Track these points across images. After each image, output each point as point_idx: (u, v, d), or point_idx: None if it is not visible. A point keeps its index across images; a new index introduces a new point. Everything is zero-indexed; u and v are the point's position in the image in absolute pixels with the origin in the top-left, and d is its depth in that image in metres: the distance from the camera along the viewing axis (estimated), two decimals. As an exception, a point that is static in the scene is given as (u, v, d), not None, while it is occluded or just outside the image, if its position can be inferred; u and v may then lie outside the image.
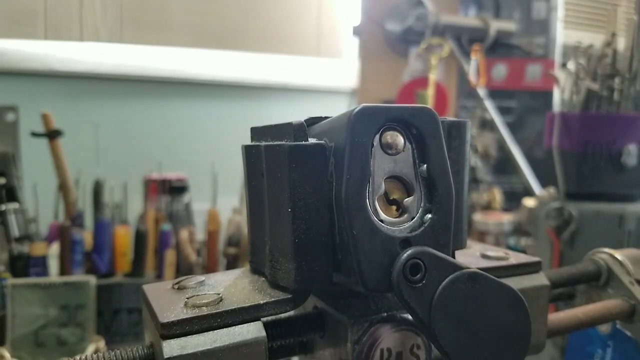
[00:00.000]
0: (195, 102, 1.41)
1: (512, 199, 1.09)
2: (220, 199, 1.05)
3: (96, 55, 1.29)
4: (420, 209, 0.23)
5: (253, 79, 1.43)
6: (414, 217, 0.22)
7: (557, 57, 1.17)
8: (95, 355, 0.22)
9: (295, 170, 0.22)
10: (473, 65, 1.06)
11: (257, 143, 0.24)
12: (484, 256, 0.30)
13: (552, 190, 0.72)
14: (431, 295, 0.21)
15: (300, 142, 0.22)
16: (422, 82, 1.08)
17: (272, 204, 0.24)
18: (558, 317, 0.31)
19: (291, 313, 0.25)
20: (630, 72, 0.64)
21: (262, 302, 0.23)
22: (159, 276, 0.92)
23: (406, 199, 0.22)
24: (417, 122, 0.22)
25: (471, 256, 0.30)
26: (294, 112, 1.44)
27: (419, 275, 0.21)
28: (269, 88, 1.46)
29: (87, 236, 0.89)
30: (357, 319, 0.24)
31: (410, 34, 1.09)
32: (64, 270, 0.83)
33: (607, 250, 0.35)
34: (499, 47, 1.13)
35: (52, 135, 0.90)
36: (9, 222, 0.81)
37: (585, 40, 0.70)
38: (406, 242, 0.22)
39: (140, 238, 0.92)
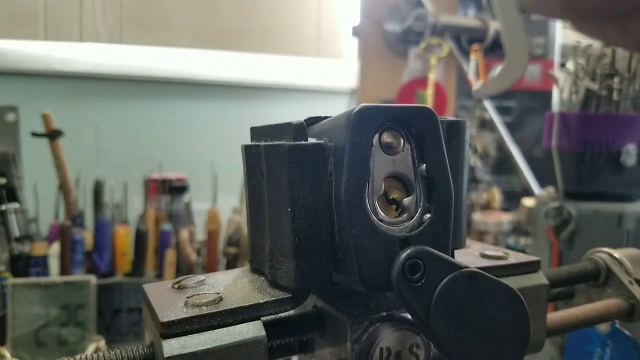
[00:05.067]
0: (195, 102, 1.41)
1: (511, 199, 1.09)
2: (220, 198, 1.05)
3: (96, 56, 1.29)
4: (420, 208, 0.23)
5: (253, 79, 1.43)
6: (413, 217, 0.22)
7: (556, 57, 1.18)
8: (95, 355, 0.22)
9: (294, 169, 0.22)
10: (472, 65, 1.06)
11: (257, 143, 0.24)
12: (483, 255, 0.30)
13: (551, 189, 0.72)
14: (430, 295, 0.21)
15: (300, 142, 0.22)
16: (421, 82, 1.08)
17: (271, 204, 0.24)
18: (557, 316, 0.31)
19: (291, 312, 0.25)
20: (629, 71, 0.64)
21: (261, 301, 0.23)
22: (159, 276, 0.92)
23: (405, 199, 0.23)
24: (416, 122, 0.22)
25: (470, 255, 0.30)
26: (294, 112, 1.44)
27: (418, 275, 0.21)
28: (269, 88, 1.46)
29: (87, 236, 0.89)
30: (357, 318, 0.24)
31: (410, 34, 1.09)
32: (64, 270, 0.83)
33: (606, 249, 0.35)
34: (498, 47, 1.13)
35: (53, 135, 0.90)
36: (10, 222, 0.82)
37: (584, 40, 0.70)
38: (405, 242, 0.22)
39: (140, 238, 0.92)
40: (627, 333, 0.38)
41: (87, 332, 0.77)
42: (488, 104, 1.07)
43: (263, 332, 0.22)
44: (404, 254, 0.21)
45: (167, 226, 0.95)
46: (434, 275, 0.21)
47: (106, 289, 0.86)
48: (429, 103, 1.04)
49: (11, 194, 0.85)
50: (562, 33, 1.19)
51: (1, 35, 1.21)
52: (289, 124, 0.23)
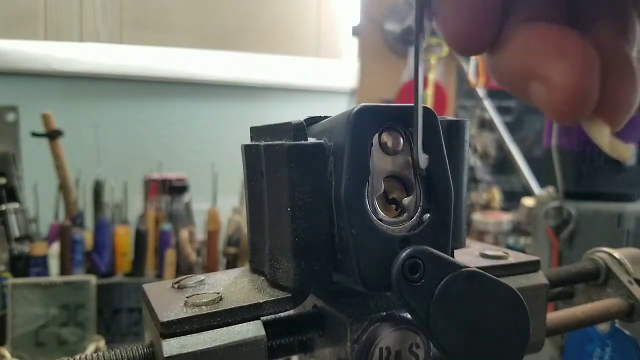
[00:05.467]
0: (195, 102, 1.41)
1: (511, 199, 1.09)
2: (220, 198, 1.05)
3: (96, 56, 1.29)
4: (419, 208, 0.23)
5: (253, 79, 1.43)
6: (413, 217, 0.22)
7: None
8: (95, 355, 0.22)
9: (294, 169, 0.22)
10: (472, 65, 1.06)
11: (257, 142, 0.24)
12: (483, 255, 0.30)
13: (551, 189, 0.72)
14: (430, 294, 0.21)
15: (300, 142, 0.22)
16: (421, 82, 1.08)
17: (271, 204, 0.24)
18: (557, 316, 0.31)
19: (291, 312, 0.25)
20: (629, 71, 0.64)
21: (261, 301, 0.23)
22: (159, 276, 0.92)
23: (405, 199, 0.22)
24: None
25: (470, 255, 0.30)
26: (294, 112, 1.44)
27: (418, 274, 0.21)
28: (269, 88, 1.46)
29: (87, 236, 0.89)
30: (357, 317, 0.24)
31: (410, 34, 1.09)
32: (64, 269, 0.83)
33: (605, 249, 0.35)
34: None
35: (53, 135, 0.90)
36: (10, 222, 0.82)
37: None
38: (405, 241, 0.22)
39: (140, 238, 0.92)
40: (627, 333, 0.38)
41: (87, 332, 0.77)
42: (488, 104, 1.08)
43: (263, 332, 0.22)
44: (404, 254, 0.21)
45: (167, 226, 0.95)
46: (433, 274, 0.21)
47: (106, 289, 0.86)
48: (429, 103, 1.04)
49: (11, 194, 0.85)
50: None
51: (1, 35, 1.21)
52: (288, 124, 0.23)
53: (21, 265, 0.80)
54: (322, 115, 0.25)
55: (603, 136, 0.17)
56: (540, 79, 0.16)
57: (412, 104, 0.22)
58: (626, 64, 0.17)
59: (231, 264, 0.97)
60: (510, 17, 0.17)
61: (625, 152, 0.17)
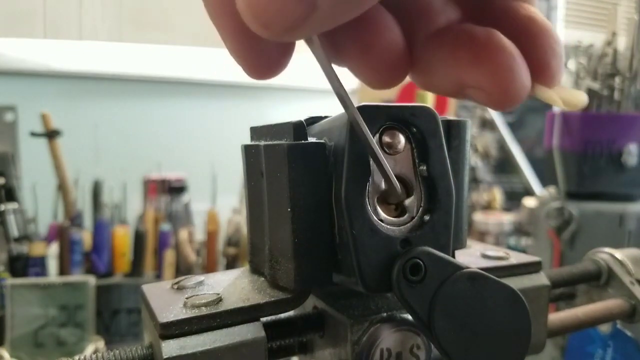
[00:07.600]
0: (195, 102, 1.41)
1: (513, 199, 1.08)
2: (220, 199, 1.05)
3: (95, 55, 1.29)
4: (420, 208, 0.22)
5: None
6: (414, 217, 0.22)
7: (557, 57, 1.17)
8: (94, 356, 0.22)
9: (294, 169, 0.22)
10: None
11: (257, 142, 0.24)
12: (484, 256, 0.30)
13: (552, 190, 0.72)
14: (431, 295, 0.21)
15: (300, 142, 0.22)
16: (421, 82, 1.07)
17: (271, 204, 0.23)
18: (558, 317, 0.31)
19: (291, 313, 0.25)
20: (630, 71, 0.64)
21: (261, 302, 0.23)
22: (158, 276, 0.92)
23: (406, 199, 0.22)
24: (417, 121, 0.22)
25: (471, 256, 0.30)
26: (294, 112, 1.43)
27: (418, 275, 0.21)
28: (269, 88, 1.46)
29: (86, 236, 0.89)
30: (357, 319, 0.24)
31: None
32: (63, 270, 0.83)
33: (607, 250, 0.35)
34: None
35: (51, 135, 0.90)
36: (8, 222, 0.81)
37: (585, 39, 0.70)
38: (406, 242, 0.22)
39: (139, 238, 0.92)
40: (629, 334, 0.38)
41: (86, 332, 0.77)
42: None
43: (263, 333, 0.22)
44: (405, 255, 0.21)
45: (166, 226, 0.95)
46: (434, 275, 0.21)
47: (105, 289, 0.86)
48: (430, 102, 1.04)
49: (10, 194, 0.85)
50: (564, 32, 1.19)
51: (0, 33, 1.21)
52: (288, 124, 0.23)
53: (20, 265, 0.80)
54: (322, 115, 0.24)
55: (551, 97, 0.17)
56: (475, 88, 0.16)
57: (413, 104, 0.22)
58: (536, 24, 0.17)
59: (231, 264, 0.97)
60: (418, 34, 0.17)
61: (577, 98, 0.17)
